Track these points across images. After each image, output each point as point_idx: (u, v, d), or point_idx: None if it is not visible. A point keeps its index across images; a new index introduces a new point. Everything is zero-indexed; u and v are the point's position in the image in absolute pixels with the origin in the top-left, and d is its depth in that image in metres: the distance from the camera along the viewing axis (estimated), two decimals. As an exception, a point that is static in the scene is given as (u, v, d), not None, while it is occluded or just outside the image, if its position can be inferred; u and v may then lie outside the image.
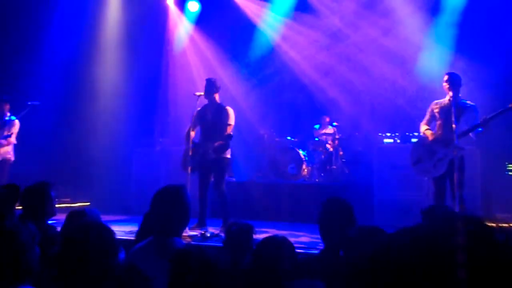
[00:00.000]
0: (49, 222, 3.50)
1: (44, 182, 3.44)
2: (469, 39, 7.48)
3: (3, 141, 7.10)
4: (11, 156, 7.29)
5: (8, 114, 7.29)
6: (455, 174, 5.18)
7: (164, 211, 2.66)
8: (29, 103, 7.13)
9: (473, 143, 5.69)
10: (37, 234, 2.16)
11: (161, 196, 2.71)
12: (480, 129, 5.22)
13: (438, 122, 5.57)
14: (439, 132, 5.53)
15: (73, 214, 3.18)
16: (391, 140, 7.50)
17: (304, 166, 8.73)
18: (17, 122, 7.28)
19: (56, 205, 3.54)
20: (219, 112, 6.12)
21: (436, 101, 5.66)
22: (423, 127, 5.66)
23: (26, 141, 8.14)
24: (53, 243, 2.85)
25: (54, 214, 3.47)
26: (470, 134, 5.34)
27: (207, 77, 6.39)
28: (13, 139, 7.21)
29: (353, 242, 2.15)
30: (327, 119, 9.14)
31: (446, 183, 5.40)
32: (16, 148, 7.54)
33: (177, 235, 2.70)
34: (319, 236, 2.89)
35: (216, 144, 5.91)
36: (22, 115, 7.25)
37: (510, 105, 5.00)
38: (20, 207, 3.35)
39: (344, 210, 2.86)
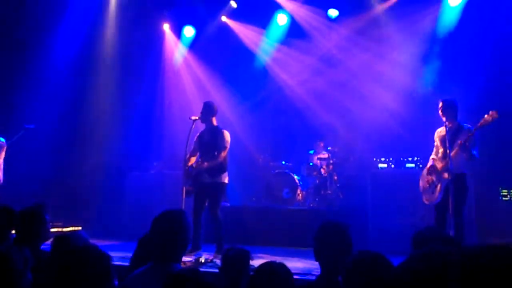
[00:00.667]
0: (42, 246, 3.45)
1: (39, 204, 3.40)
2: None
3: None
4: (0, 179, 7.20)
5: None
6: (450, 199, 5.21)
7: (164, 236, 2.60)
8: (25, 126, 7.10)
9: (466, 168, 5.71)
10: (30, 259, 2.12)
11: (161, 221, 2.65)
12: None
13: (440, 150, 5.65)
14: (440, 158, 5.61)
15: (59, 239, 3.09)
16: (386, 165, 7.53)
17: (298, 191, 8.71)
18: (3, 143, 7.24)
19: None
20: (215, 134, 6.16)
21: (438, 130, 5.77)
22: (431, 157, 5.80)
23: (20, 163, 8.10)
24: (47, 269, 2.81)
25: (48, 238, 3.41)
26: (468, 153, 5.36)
27: (204, 101, 6.44)
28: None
29: (353, 268, 2.12)
30: (322, 144, 9.17)
31: (447, 209, 5.41)
32: (10, 170, 7.47)
33: (177, 261, 2.64)
34: (314, 262, 2.83)
35: (210, 164, 5.90)
36: (17, 138, 7.21)
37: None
38: (14, 231, 3.30)
39: (340, 233, 2.79)
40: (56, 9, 8.91)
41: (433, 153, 5.82)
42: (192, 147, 6.20)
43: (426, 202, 5.74)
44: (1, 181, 7.24)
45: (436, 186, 5.54)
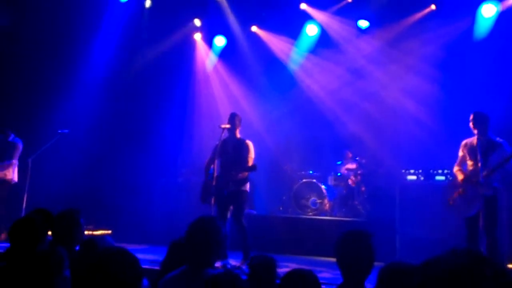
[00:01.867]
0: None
1: (74, 209, 3.54)
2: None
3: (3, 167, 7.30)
4: (11, 178, 7.44)
5: (11, 136, 7.51)
6: (485, 214, 5.14)
7: (199, 241, 2.66)
8: (60, 131, 7.33)
9: (499, 182, 5.61)
10: (66, 259, 2.21)
11: (197, 226, 2.71)
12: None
13: (468, 162, 5.56)
14: (470, 171, 5.52)
15: (87, 242, 3.21)
16: (415, 177, 7.44)
17: (325, 201, 8.70)
18: (18, 144, 7.49)
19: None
20: (240, 145, 6.24)
21: (465, 141, 5.69)
22: (455, 168, 5.71)
23: (54, 167, 8.36)
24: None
25: (82, 241, 3.54)
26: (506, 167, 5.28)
27: (232, 111, 6.53)
28: (12, 162, 7.38)
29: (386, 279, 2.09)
30: (350, 154, 9.13)
31: (478, 224, 5.32)
32: (44, 173, 7.72)
33: (211, 266, 2.70)
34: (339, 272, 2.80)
35: (239, 175, 5.99)
36: (52, 143, 7.45)
37: None
38: (51, 233, 3.43)
39: (362, 241, 2.74)
40: (93, 19, 9.19)
41: (457, 164, 5.70)
42: (211, 154, 6.29)
43: (458, 213, 5.61)
44: (16, 180, 7.49)
45: (471, 199, 5.42)
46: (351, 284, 2.66)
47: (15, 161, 7.49)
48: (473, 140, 5.52)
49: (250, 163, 6.13)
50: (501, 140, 5.42)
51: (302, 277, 2.44)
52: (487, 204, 5.23)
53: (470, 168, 5.53)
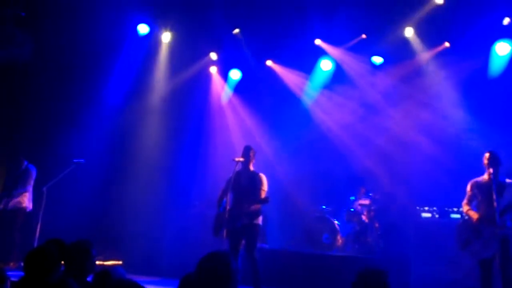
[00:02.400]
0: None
1: (86, 240, 3.56)
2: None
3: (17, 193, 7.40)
4: (26, 206, 7.51)
5: (25, 163, 7.63)
6: (501, 254, 5.05)
7: (211, 277, 2.61)
8: (75, 160, 7.42)
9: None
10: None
11: (209, 261, 2.66)
12: None
13: (481, 202, 5.50)
14: (481, 211, 5.45)
15: (100, 273, 3.21)
16: (429, 214, 7.36)
17: (338, 237, 8.60)
18: (32, 171, 7.59)
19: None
20: (253, 178, 6.27)
21: (474, 180, 5.64)
22: (465, 207, 5.63)
23: (67, 196, 8.42)
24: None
25: (93, 271, 3.55)
26: None
27: (246, 144, 6.58)
28: (26, 189, 7.48)
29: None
30: (363, 190, 9.06)
31: (493, 265, 5.23)
32: (57, 202, 7.78)
33: None
34: None
35: (252, 207, 5.99)
36: (67, 172, 7.52)
37: None
38: (64, 263, 3.45)
39: (379, 280, 2.74)
40: (112, 51, 9.41)
41: (466, 202, 5.64)
42: (224, 187, 6.30)
43: (474, 255, 5.49)
44: (31, 208, 7.55)
45: (487, 240, 5.32)
46: None
47: (29, 189, 7.58)
48: (485, 179, 5.48)
49: (263, 195, 6.14)
50: (510, 180, 5.41)
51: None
52: (503, 244, 5.14)
53: (483, 208, 5.46)
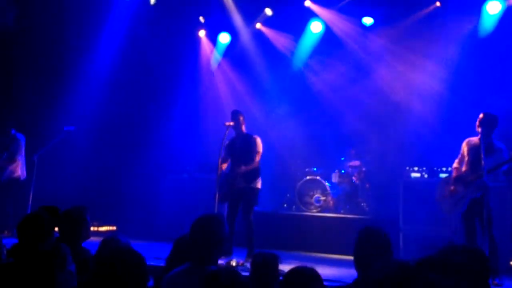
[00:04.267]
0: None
1: (81, 206, 3.59)
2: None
3: (4, 162, 7.34)
4: (19, 175, 7.50)
5: (12, 132, 7.54)
6: (484, 212, 5.16)
7: (203, 239, 2.71)
8: (65, 128, 7.38)
9: (503, 181, 5.64)
10: (69, 255, 2.26)
11: (200, 224, 2.76)
12: (505, 167, 5.23)
13: (466, 160, 5.59)
14: (464, 170, 5.55)
15: (107, 240, 3.29)
16: (419, 174, 7.46)
17: (329, 198, 8.73)
18: (20, 139, 7.51)
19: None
20: (247, 140, 6.30)
21: (468, 139, 5.71)
22: (454, 164, 5.75)
23: (59, 164, 8.42)
24: (87, 266, 2.96)
25: (88, 237, 3.60)
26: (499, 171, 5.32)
27: (233, 109, 6.58)
28: (15, 158, 7.42)
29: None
30: (353, 152, 9.14)
31: (475, 222, 5.37)
32: (49, 170, 7.78)
33: (214, 263, 2.75)
34: (343, 269, 2.85)
35: (243, 168, 6.02)
36: (58, 140, 7.50)
37: None
38: (58, 230, 3.48)
39: (381, 239, 2.80)
40: (98, 16, 9.22)
41: (457, 161, 5.75)
42: (223, 153, 6.32)
43: (445, 212, 5.69)
44: (24, 176, 7.55)
45: (461, 197, 5.47)
46: (366, 279, 2.61)
47: (20, 158, 7.53)
48: (476, 140, 5.53)
49: (257, 157, 6.20)
50: (501, 145, 5.47)
51: (304, 274, 2.47)
52: (478, 205, 5.25)
53: (467, 167, 5.56)
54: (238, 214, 6.25)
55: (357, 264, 2.79)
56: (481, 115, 5.49)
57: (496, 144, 5.48)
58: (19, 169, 7.54)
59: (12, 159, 7.43)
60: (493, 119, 5.48)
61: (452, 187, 5.60)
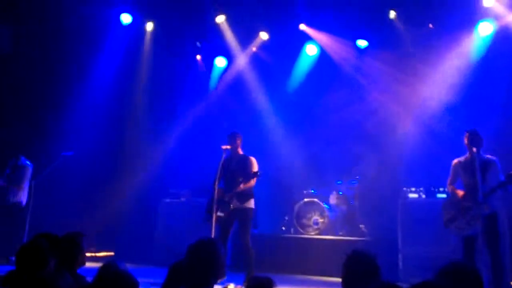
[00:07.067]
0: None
1: (76, 232, 3.58)
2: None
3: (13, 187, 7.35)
4: (21, 200, 7.48)
5: (21, 159, 7.57)
6: (486, 233, 5.17)
7: (199, 263, 2.70)
8: (63, 153, 7.39)
9: (499, 200, 5.64)
10: (73, 284, 2.26)
11: (197, 248, 2.76)
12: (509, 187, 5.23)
13: (465, 181, 5.60)
14: (467, 190, 5.55)
15: (106, 265, 3.26)
16: (416, 195, 7.47)
17: (327, 220, 8.69)
18: (28, 167, 7.53)
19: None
20: (243, 161, 6.32)
21: (457, 159, 5.73)
22: (449, 187, 5.75)
23: (56, 189, 8.41)
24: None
25: (83, 264, 3.58)
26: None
27: (232, 131, 6.61)
28: (21, 185, 7.43)
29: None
30: (351, 174, 9.14)
31: (477, 242, 5.34)
32: (46, 195, 7.76)
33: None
34: None
35: (242, 186, 6.02)
36: (55, 165, 7.51)
37: None
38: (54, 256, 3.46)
39: (369, 264, 2.79)
40: (96, 41, 9.33)
41: (450, 182, 5.75)
42: (217, 174, 6.32)
43: (457, 231, 5.60)
44: (23, 203, 7.51)
45: (470, 218, 5.43)
46: None
47: (23, 185, 7.51)
48: (467, 158, 5.57)
49: (254, 180, 6.19)
50: (493, 157, 5.50)
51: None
52: (488, 223, 5.25)
53: (467, 186, 5.56)
54: (231, 235, 6.23)
55: (345, 286, 2.78)
56: (467, 134, 5.55)
57: (488, 158, 5.53)
58: (22, 196, 7.52)
59: (19, 186, 7.42)
60: (478, 135, 5.55)
61: (461, 207, 5.53)
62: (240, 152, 6.45)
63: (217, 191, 6.22)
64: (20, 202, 7.48)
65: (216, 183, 6.23)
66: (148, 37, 9.80)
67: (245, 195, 6.19)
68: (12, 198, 7.38)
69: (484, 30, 8.13)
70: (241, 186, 6.09)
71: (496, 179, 5.37)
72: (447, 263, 2.67)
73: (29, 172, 7.58)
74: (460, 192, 5.63)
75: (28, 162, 7.60)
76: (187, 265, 2.75)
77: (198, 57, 10.20)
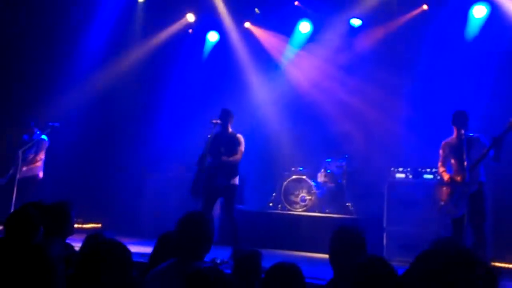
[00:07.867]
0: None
1: (66, 201, 3.57)
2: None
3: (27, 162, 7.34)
4: (37, 174, 7.46)
5: (38, 132, 7.53)
6: (471, 211, 5.25)
7: (192, 234, 2.70)
8: (50, 124, 7.34)
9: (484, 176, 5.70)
10: (63, 251, 2.27)
11: (190, 219, 2.76)
12: (492, 152, 5.29)
13: (452, 161, 5.65)
14: (454, 170, 5.61)
15: (91, 236, 3.28)
16: (403, 175, 7.54)
17: (314, 198, 8.77)
18: (44, 140, 7.50)
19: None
20: (231, 139, 6.33)
21: (445, 141, 5.77)
22: (440, 169, 5.79)
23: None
24: (71, 261, 2.96)
25: (72, 233, 3.59)
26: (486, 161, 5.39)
27: (223, 107, 6.59)
28: (38, 158, 7.45)
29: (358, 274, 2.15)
30: (339, 152, 9.18)
31: (463, 224, 5.42)
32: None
33: (201, 259, 2.76)
34: (328, 268, 2.86)
35: (224, 158, 6.05)
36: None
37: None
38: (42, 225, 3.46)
39: (356, 238, 2.81)
40: (86, 13, 9.17)
41: (441, 164, 5.79)
42: (204, 149, 6.33)
43: (447, 215, 5.66)
44: (41, 176, 7.52)
45: (457, 199, 5.50)
46: (341, 278, 2.70)
47: (38, 157, 7.49)
48: (454, 139, 5.61)
49: (240, 155, 6.23)
50: (477, 134, 5.55)
51: (285, 270, 2.49)
52: (473, 201, 5.32)
53: (454, 167, 5.62)
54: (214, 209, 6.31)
55: (332, 262, 2.80)
56: (454, 115, 5.59)
57: (472, 136, 5.57)
58: (37, 169, 7.47)
59: (33, 159, 7.41)
60: (466, 114, 5.58)
61: (449, 189, 5.60)
62: (230, 130, 6.46)
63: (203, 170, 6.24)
64: (36, 175, 7.46)
65: (203, 158, 6.23)
66: (139, 8, 9.64)
67: (232, 172, 6.24)
68: (26, 172, 7.34)
69: (479, 12, 8.11)
70: (224, 157, 6.19)
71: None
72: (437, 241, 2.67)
73: (46, 146, 7.54)
74: (446, 175, 5.68)
75: (44, 136, 7.54)
76: (177, 238, 2.75)
77: (191, 30, 10.08)
